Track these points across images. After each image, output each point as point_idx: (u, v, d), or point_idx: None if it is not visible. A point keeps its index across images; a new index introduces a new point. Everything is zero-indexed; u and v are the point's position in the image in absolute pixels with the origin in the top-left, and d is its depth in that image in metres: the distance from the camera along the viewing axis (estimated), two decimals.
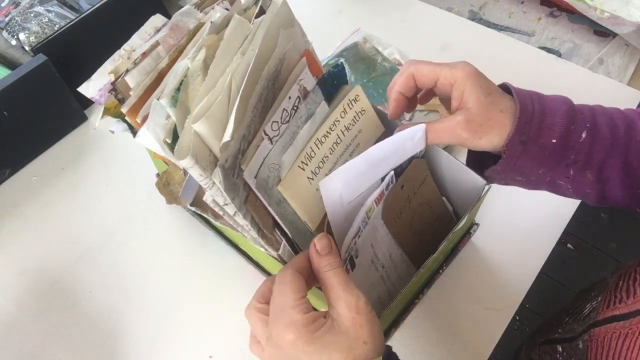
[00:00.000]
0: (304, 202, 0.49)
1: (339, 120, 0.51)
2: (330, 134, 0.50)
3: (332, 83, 0.51)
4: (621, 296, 0.46)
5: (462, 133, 0.45)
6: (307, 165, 0.48)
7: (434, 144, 0.49)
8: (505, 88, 0.48)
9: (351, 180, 0.46)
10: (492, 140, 0.45)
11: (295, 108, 0.48)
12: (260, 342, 0.40)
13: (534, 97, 0.46)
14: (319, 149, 0.49)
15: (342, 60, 0.77)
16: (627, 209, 0.49)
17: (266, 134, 0.46)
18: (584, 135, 0.45)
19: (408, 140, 0.48)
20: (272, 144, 0.46)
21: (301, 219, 0.50)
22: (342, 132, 0.51)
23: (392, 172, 0.49)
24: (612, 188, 0.47)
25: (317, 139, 0.49)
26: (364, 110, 0.52)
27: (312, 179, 0.49)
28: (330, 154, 0.51)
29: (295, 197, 0.48)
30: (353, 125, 0.52)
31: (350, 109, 0.51)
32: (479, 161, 0.52)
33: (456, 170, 0.55)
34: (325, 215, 0.50)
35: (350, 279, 0.40)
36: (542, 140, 0.45)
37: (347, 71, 0.52)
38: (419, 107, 0.73)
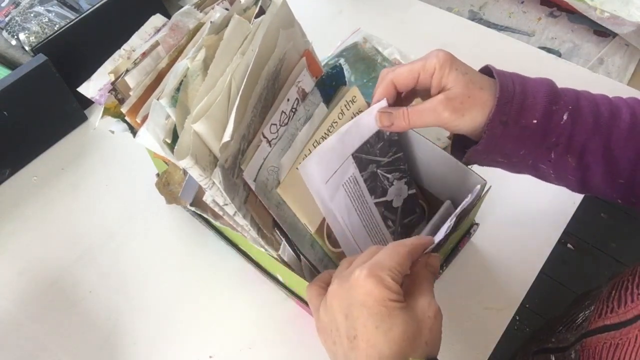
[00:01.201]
0: (303, 204, 0.49)
1: (336, 122, 0.51)
2: (328, 135, 0.50)
3: (330, 84, 0.52)
4: (613, 305, 0.46)
5: (443, 112, 0.45)
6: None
7: (416, 127, 0.49)
8: (487, 71, 0.48)
9: (323, 157, 0.47)
10: (474, 118, 0.45)
11: (293, 110, 0.48)
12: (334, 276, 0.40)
13: (515, 77, 0.46)
14: None
15: (340, 61, 0.77)
16: (627, 209, 0.49)
17: (265, 137, 0.46)
18: (565, 117, 0.45)
19: (366, 114, 0.49)
20: (270, 146, 0.46)
21: (300, 221, 0.50)
22: None
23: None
24: (594, 175, 0.47)
25: (316, 140, 0.49)
26: (361, 110, 0.52)
27: None
28: None
29: (295, 199, 0.48)
30: None
31: (348, 110, 0.51)
32: (463, 148, 0.51)
33: (454, 168, 0.55)
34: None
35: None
36: (523, 120, 0.45)
37: (346, 71, 0.52)
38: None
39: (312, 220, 0.50)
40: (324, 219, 0.51)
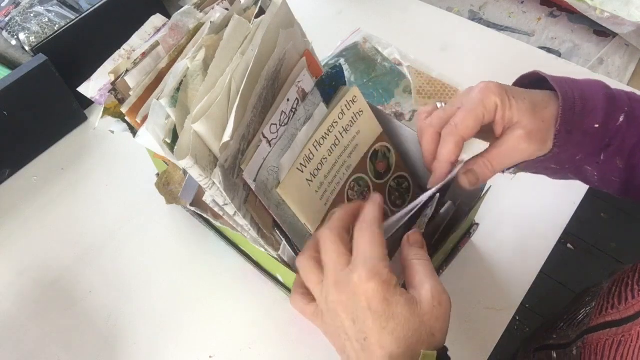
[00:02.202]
0: (303, 204, 0.49)
1: (337, 122, 0.51)
2: (328, 135, 0.50)
3: (330, 84, 0.51)
4: (614, 302, 0.46)
5: (529, 147, 0.43)
6: (305, 167, 0.48)
7: (500, 170, 0.46)
8: (532, 76, 0.46)
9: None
10: (551, 140, 0.43)
11: (293, 110, 0.48)
12: (313, 291, 0.40)
13: (569, 82, 0.45)
14: (317, 150, 0.49)
15: (340, 61, 0.77)
16: (626, 209, 0.49)
17: (264, 137, 0.46)
18: (621, 118, 0.44)
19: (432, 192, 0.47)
20: (270, 146, 0.46)
21: (301, 221, 0.50)
22: (340, 134, 0.51)
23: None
24: (638, 177, 0.46)
25: (316, 140, 0.49)
26: (361, 111, 0.52)
27: (311, 181, 0.49)
28: (329, 155, 0.50)
29: (295, 200, 0.48)
30: (351, 127, 0.52)
31: (348, 110, 0.51)
32: None
33: None
34: (325, 217, 0.51)
35: (436, 274, 0.40)
36: (586, 125, 0.44)
37: (346, 71, 0.52)
38: (418, 106, 0.73)
39: (312, 220, 0.50)
40: (324, 219, 0.51)
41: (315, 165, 0.49)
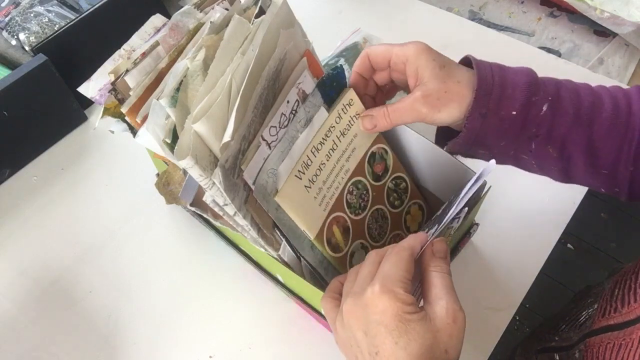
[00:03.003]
0: (302, 211, 0.48)
1: (334, 126, 0.50)
2: (326, 140, 0.50)
3: (331, 85, 0.51)
4: (616, 305, 0.46)
5: (421, 108, 0.45)
6: (304, 174, 0.48)
7: (397, 124, 0.49)
8: (467, 61, 0.48)
9: None
10: (451, 112, 0.45)
11: (293, 112, 0.48)
12: (343, 296, 0.41)
13: (494, 68, 0.46)
14: (315, 156, 0.49)
15: (340, 61, 0.77)
16: (627, 209, 0.49)
17: (264, 139, 0.46)
18: (544, 108, 0.45)
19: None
20: (270, 149, 0.46)
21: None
22: (338, 138, 0.51)
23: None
24: (576, 166, 0.46)
25: (314, 146, 0.49)
26: (358, 114, 0.52)
27: (310, 187, 0.49)
28: (327, 160, 0.50)
29: (293, 207, 0.47)
30: (348, 130, 0.52)
31: (345, 113, 0.51)
32: (447, 138, 0.51)
33: (454, 167, 0.55)
34: (325, 223, 0.50)
35: (454, 290, 0.39)
36: (502, 112, 0.45)
37: (346, 72, 0.52)
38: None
39: (311, 226, 0.49)
40: (323, 224, 0.50)
41: (314, 171, 0.49)
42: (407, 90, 0.49)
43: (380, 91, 0.53)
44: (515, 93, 0.45)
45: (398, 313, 0.36)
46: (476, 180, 0.44)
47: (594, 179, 0.47)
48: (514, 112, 0.44)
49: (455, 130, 0.49)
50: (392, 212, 0.58)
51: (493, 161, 0.45)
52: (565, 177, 0.48)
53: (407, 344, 0.36)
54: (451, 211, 0.44)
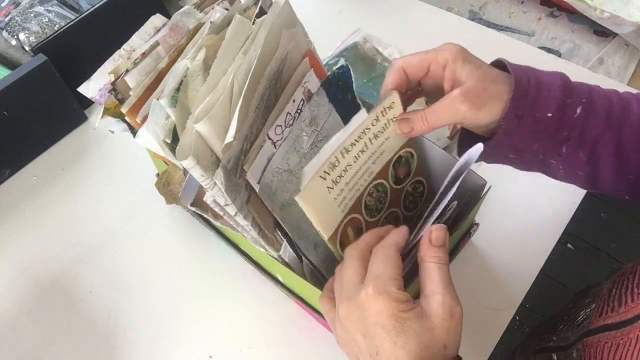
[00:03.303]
0: (321, 211, 0.46)
1: (369, 128, 0.48)
2: (357, 142, 0.47)
3: (336, 84, 0.51)
4: (613, 305, 0.46)
5: (460, 107, 0.44)
6: (329, 174, 0.46)
7: (436, 127, 0.47)
8: (499, 65, 0.47)
9: None
10: (491, 111, 0.44)
11: (299, 111, 0.48)
12: (336, 299, 0.41)
13: (528, 70, 0.46)
14: (344, 157, 0.47)
15: (341, 62, 0.77)
16: (627, 209, 0.49)
17: (269, 138, 0.45)
18: (579, 110, 0.44)
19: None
20: (275, 147, 0.46)
21: (313, 226, 0.49)
22: (370, 140, 0.49)
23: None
24: (604, 171, 0.46)
25: (344, 147, 0.46)
26: (395, 117, 0.49)
27: (332, 188, 0.47)
28: (354, 162, 0.48)
29: (313, 207, 0.45)
30: (382, 133, 0.50)
31: (383, 116, 0.49)
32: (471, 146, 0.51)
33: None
34: (341, 224, 0.49)
35: (452, 282, 0.39)
36: (538, 113, 0.44)
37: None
38: (418, 107, 0.72)
39: (327, 227, 0.48)
40: (339, 226, 0.49)
41: (339, 172, 0.47)
42: (433, 96, 0.48)
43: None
44: (551, 94, 0.44)
45: (394, 313, 0.36)
46: (466, 163, 0.44)
47: (620, 185, 0.47)
48: (550, 114, 0.44)
49: (478, 139, 0.48)
50: (405, 215, 0.57)
51: (480, 144, 0.44)
52: (592, 183, 0.48)
53: (406, 342, 0.36)
54: (443, 201, 0.44)
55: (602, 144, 0.45)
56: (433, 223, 0.43)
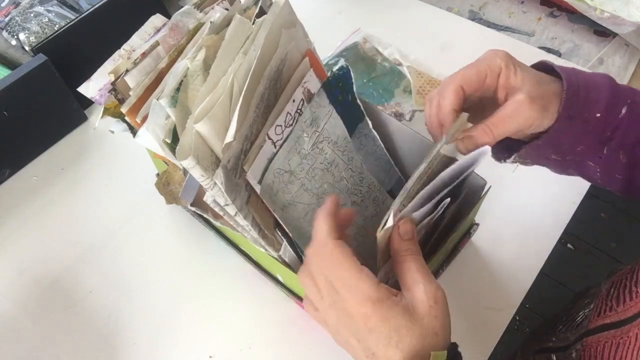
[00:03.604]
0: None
1: (439, 153, 0.45)
2: (430, 169, 0.45)
3: (336, 85, 0.51)
4: (612, 304, 0.46)
5: (530, 112, 0.42)
6: (404, 206, 0.43)
7: (500, 138, 0.45)
8: (540, 67, 0.47)
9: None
10: (554, 112, 0.43)
11: (299, 111, 0.48)
12: (318, 307, 0.41)
13: (575, 71, 0.45)
14: (417, 185, 0.44)
15: (341, 62, 0.77)
16: (627, 209, 0.49)
17: (269, 138, 0.45)
18: (624, 111, 0.44)
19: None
20: (275, 147, 0.46)
21: (304, 224, 0.48)
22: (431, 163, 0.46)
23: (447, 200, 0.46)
24: None
25: (419, 175, 0.43)
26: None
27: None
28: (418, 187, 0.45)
29: (384, 241, 0.43)
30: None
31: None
32: (507, 150, 0.49)
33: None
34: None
35: (429, 270, 0.39)
36: (587, 114, 0.43)
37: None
38: (418, 106, 0.72)
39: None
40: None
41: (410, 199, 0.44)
42: (478, 109, 0.46)
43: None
44: (600, 95, 0.44)
45: (381, 314, 0.37)
46: (469, 164, 0.44)
47: None
48: (598, 115, 0.44)
49: (515, 143, 0.47)
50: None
51: (487, 147, 0.44)
52: (628, 187, 0.48)
53: (399, 340, 0.36)
54: (436, 197, 0.43)
55: None
56: (424, 218, 0.43)
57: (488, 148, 0.44)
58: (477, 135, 0.44)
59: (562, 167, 0.48)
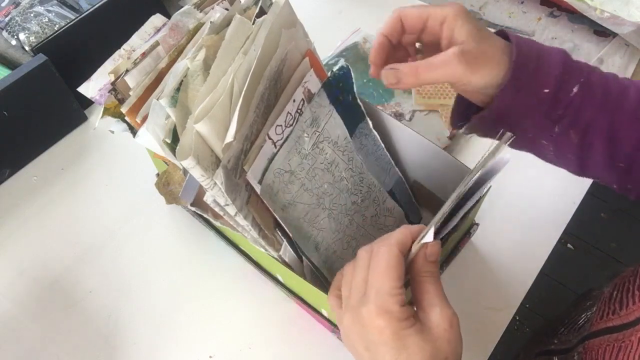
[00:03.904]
0: None
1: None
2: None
3: (337, 85, 0.51)
4: (614, 307, 0.45)
5: (457, 66, 0.42)
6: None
7: (425, 83, 0.45)
8: (502, 35, 0.46)
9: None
10: (485, 75, 0.43)
11: (299, 111, 0.48)
12: (344, 303, 0.40)
13: (531, 42, 0.44)
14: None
15: (341, 62, 0.77)
16: (627, 209, 0.49)
17: (270, 138, 0.45)
18: (575, 89, 0.43)
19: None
20: (275, 147, 0.46)
21: (314, 227, 0.48)
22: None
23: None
24: (594, 155, 0.45)
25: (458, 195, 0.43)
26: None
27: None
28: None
29: None
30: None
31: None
32: (464, 119, 0.49)
33: (454, 167, 0.55)
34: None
35: (444, 294, 0.39)
36: (536, 87, 0.43)
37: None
38: (418, 106, 0.72)
39: None
40: None
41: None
42: (431, 54, 0.46)
43: (399, 47, 0.50)
44: (550, 70, 0.43)
45: (396, 331, 0.36)
46: (487, 175, 0.43)
47: (608, 172, 0.46)
48: (547, 90, 0.43)
49: (472, 112, 0.47)
50: None
51: (508, 155, 0.43)
52: (580, 167, 0.47)
53: (408, 358, 0.36)
54: (459, 212, 0.43)
55: (595, 127, 0.44)
56: (448, 232, 0.43)
57: (508, 157, 0.43)
58: (403, 72, 0.44)
59: (514, 143, 0.47)
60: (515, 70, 0.42)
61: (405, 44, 0.49)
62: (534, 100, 0.43)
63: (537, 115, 0.44)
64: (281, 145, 0.47)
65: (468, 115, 0.48)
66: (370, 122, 0.57)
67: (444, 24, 0.44)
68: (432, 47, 0.46)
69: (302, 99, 0.48)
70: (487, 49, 0.43)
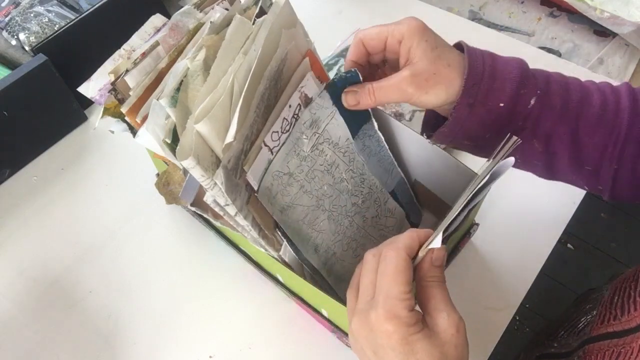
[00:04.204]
0: None
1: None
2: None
3: (342, 88, 0.51)
4: (616, 313, 0.45)
5: (407, 88, 0.43)
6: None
7: (382, 103, 0.47)
8: (460, 46, 0.47)
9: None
10: (438, 95, 0.44)
11: (295, 117, 0.48)
12: (356, 304, 0.40)
13: (486, 57, 0.45)
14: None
15: (340, 61, 0.77)
16: (627, 209, 0.49)
17: (266, 145, 0.45)
18: (532, 101, 0.44)
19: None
20: (272, 154, 0.46)
21: (313, 229, 0.48)
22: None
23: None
24: (560, 161, 0.45)
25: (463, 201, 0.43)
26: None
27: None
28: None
29: None
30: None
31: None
32: (433, 129, 0.50)
33: (454, 168, 0.55)
34: None
35: (450, 298, 0.39)
36: (490, 103, 0.43)
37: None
38: (419, 107, 0.72)
39: None
40: None
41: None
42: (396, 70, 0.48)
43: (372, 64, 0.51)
44: (505, 85, 0.43)
45: (404, 336, 0.36)
46: (491, 177, 0.43)
47: (577, 175, 0.47)
48: (502, 104, 0.43)
49: (442, 121, 0.48)
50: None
51: (512, 159, 0.43)
52: (549, 173, 0.48)
53: None
54: (461, 215, 0.43)
55: (556, 136, 0.44)
56: (450, 233, 0.42)
57: (512, 160, 0.43)
58: (361, 94, 0.47)
59: (479, 152, 0.48)
60: (467, 89, 0.43)
61: (375, 64, 0.50)
62: (492, 115, 0.44)
63: (496, 128, 0.45)
64: (278, 150, 0.47)
65: (436, 126, 0.48)
66: (375, 124, 0.57)
67: (401, 42, 0.45)
68: (396, 64, 0.47)
69: (299, 104, 0.48)
70: (440, 69, 0.44)
